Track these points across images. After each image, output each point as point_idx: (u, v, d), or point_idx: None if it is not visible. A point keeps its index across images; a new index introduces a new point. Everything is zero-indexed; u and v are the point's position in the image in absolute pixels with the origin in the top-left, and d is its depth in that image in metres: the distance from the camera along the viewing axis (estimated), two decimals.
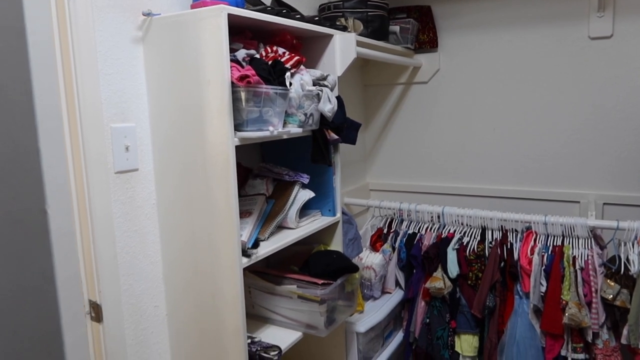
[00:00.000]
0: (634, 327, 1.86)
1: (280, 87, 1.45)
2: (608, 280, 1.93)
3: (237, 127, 1.36)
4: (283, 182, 1.72)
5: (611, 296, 1.90)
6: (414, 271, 2.31)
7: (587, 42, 2.25)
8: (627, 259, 1.93)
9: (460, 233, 2.27)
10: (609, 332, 1.95)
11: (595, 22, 2.21)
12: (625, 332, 1.90)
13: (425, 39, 2.55)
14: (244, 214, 1.53)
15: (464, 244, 2.22)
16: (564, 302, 1.95)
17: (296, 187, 1.69)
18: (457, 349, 2.17)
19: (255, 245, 1.47)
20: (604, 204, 2.28)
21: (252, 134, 1.38)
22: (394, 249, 2.38)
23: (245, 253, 1.40)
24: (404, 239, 2.37)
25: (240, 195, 1.58)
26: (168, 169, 1.44)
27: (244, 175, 1.75)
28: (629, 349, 1.91)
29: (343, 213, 1.97)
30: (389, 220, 2.51)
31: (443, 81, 2.59)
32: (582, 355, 1.97)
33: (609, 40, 2.21)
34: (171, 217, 1.46)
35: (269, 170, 1.75)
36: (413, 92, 2.68)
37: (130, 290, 1.40)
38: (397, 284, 2.39)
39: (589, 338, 1.95)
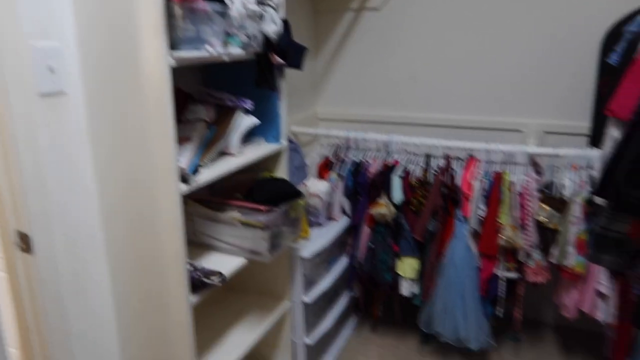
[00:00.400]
0: (563, 247, 1.99)
1: (219, 4, 1.35)
2: (543, 204, 2.03)
3: (173, 46, 1.27)
4: (225, 108, 1.66)
5: (545, 219, 2.01)
6: (360, 198, 2.35)
7: None
8: (562, 184, 2.02)
9: (405, 161, 2.31)
10: (541, 253, 2.08)
11: None
12: (555, 252, 2.02)
13: None
14: (183, 139, 1.47)
15: (409, 171, 2.26)
16: (500, 225, 2.05)
17: (238, 113, 1.63)
18: (399, 271, 2.26)
19: (195, 171, 1.43)
20: (545, 132, 2.35)
21: (189, 53, 1.30)
22: (340, 177, 2.40)
23: (184, 179, 1.36)
24: (351, 167, 2.39)
25: (179, 121, 1.52)
26: (99, 92, 1.34)
27: (184, 100, 1.67)
28: (557, 268, 2.05)
29: (289, 141, 1.94)
30: (336, 149, 2.50)
31: (395, 8, 2.52)
32: (513, 274, 2.10)
33: None
34: (105, 144, 1.38)
35: (210, 95, 1.68)
36: (365, 20, 2.60)
37: (62, 221, 1.34)
38: (343, 211, 2.43)
39: (522, 258, 2.08)
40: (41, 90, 1.25)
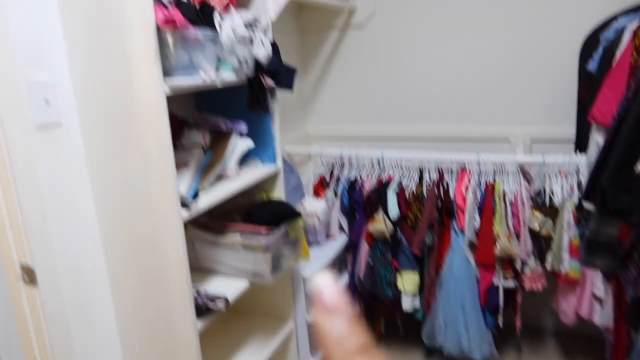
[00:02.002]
0: (557, 253, 2.01)
1: (209, 31, 1.38)
2: (535, 212, 2.06)
3: (167, 74, 1.29)
4: (220, 132, 1.68)
5: (537, 226, 2.04)
6: (357, 215, 2.36)
7: None
8: (552, 191, 2.06)
9: (399, 176, 2.33)
10: (536, 261, 2.10)
11: None
12: (549, 258, 2.05)
13: None
14: (180, 165, 1.48)
15: (404, 186, 2.28)
16: (495, 235, 2.07)
17: (234, 137, 1.65)
18: (400, 286, 2.27)
19: (195, 196, 1.44)
20: (533, 140, 2.40)
21: (183, 81, 1.32)
22: (336, 194, 2.42)
23: (185, 205, 1.37)
24: (346, 185, 2.41)
25: (176, 147, 1.53)
26: (95, 122, 1.35)
27: (179, 126, 1.69)
28: (553, 274, 2.08)
29: (284, 161, 1.96)
30: (331, 167, 2.53)
31: (379, 26, 2.57)
32: (511, 283, 2.12)
33: None
34: (103, 174, 1.39)
35: (205, 119, 1.70)
36: (350, 38, 2.65)
37: (65, 252, 1.34)
38: (341, 229, 2.44)
39: (518, 267, 2.10)
40: (38, 122, 1.26)
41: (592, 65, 1.99)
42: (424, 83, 2.55)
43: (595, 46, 2.00)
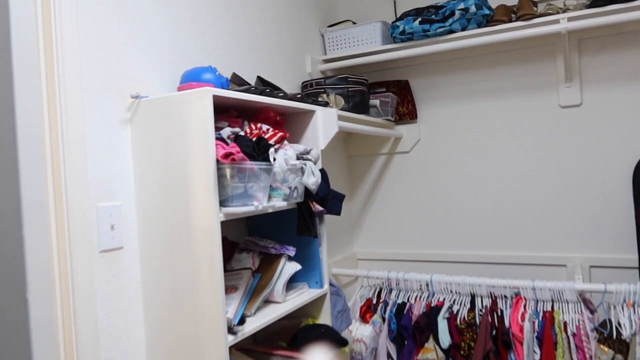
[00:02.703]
0: None
1: (264, 163, 1.49)
2: (601, 346, 1.90)
3: (222, 202, 1.38)
4: (269, 255, 1.72)
5: None
6: (406, 342, 2.26)
7: (559, 110, 2.36)
8: (619, 323, 1.91)
9: (449, 301, 2.25)
10: None
11: (564, 92, 2.34)
12: None
13: (405, 111, 2.66)
14: (229, 289, 1.51)
15: (454, 312, 2.19)
16: None
17: (282, 260, 1.69)
18: None
19: (242, 321, 1.45)
20: (590, 266, 2.29)
21: (237, 209, 1.40)
22: (384, 319, 2.34)
23: (231, 330, 1.37)
24: (394, 309, 2.34)
25: (225, 270, 1.58)
26: (153, 247, 1.44)
27: (230, 249, 1.75)
28: None
29: (331, 284, 1.95)
30: (377, 290, 2.48)
31: (424, 150, 2.67)
32: None
33: (579, 108, 2.33)
34: (155, 295, 1.44)
35: (255, 243, 1.75)
36: (396, 162, 2.75)
37: None
38: (389, 356, 2.33)
39: None
40: (102, 247, 1.35)
41: None
42: (472, 207, 2.56)
43: None
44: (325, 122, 1.88)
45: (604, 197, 2.28)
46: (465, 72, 2.56)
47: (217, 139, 1.39)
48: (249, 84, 1.73)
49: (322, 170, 1.79)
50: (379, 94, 2.57)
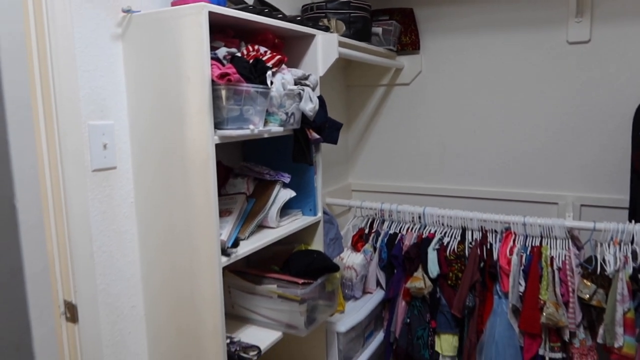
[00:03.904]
0: (610, 327, 1.89)
1: (261, 86, 1.44)
2: (585, 280, 1.96)
3: (217, 125, 1.35)
4: (264, 181, 1.72)
5: (587, 296, 1.93)
6: (395, 271, 2.32)
7: (566, 46, 2.29)
8: (604, 260, 1.96)
9: (440, 233, 2.29)
10: (586, 332, 1.98)
11: (574, 27, 2.25)
12: (601, 331, 1.93)
13: (408, 41, 2.57)
14: (224, 212, 1.52)
15: (445, 244, 2.24)
16: (541, 301, 1.98)
17: (277, 187, 1.68)
18: (437, 348, 2.18)
19: (235, 244, 1.47)
20: (582, 205, 2.32)
21: (233, 132, 1.37)
22: (375, 249, 2.39)
23: (224, 252, 1.39)
24: (385, 239, 2.38)
25: (220, 194, 1.57)
26: (147, 167, 1.43)
27: (225, 174, 1.74)
28: (604, 348, 1.95)
29: (324, 213, 1.97)
30: (370, 220, 2.52)
31: (425, 83, 2.61)
32: (559, 355, 2.00)
33: (586, 45, 2.25)
34: (149, 216, 1.44)
35: (250, 169, 1.74)
36: (395, 94, 2.70)
37: (107, 290, 1.38)
38: (378, 283, 2.40)
39: (566, 337, 1.98)
40: (94, 166, 1.33)
41: None
42: (470, 142, 2.54)
43: None
44: (325, 48, 1.82)
45: (603, 138, 2.26)
46: (472, 2, 2.45)
47: (212, 58, 1.33)
48: (246, 3, 1.65)
49: (320, 98, 1.75)
50: (382, 21, 2.47)
